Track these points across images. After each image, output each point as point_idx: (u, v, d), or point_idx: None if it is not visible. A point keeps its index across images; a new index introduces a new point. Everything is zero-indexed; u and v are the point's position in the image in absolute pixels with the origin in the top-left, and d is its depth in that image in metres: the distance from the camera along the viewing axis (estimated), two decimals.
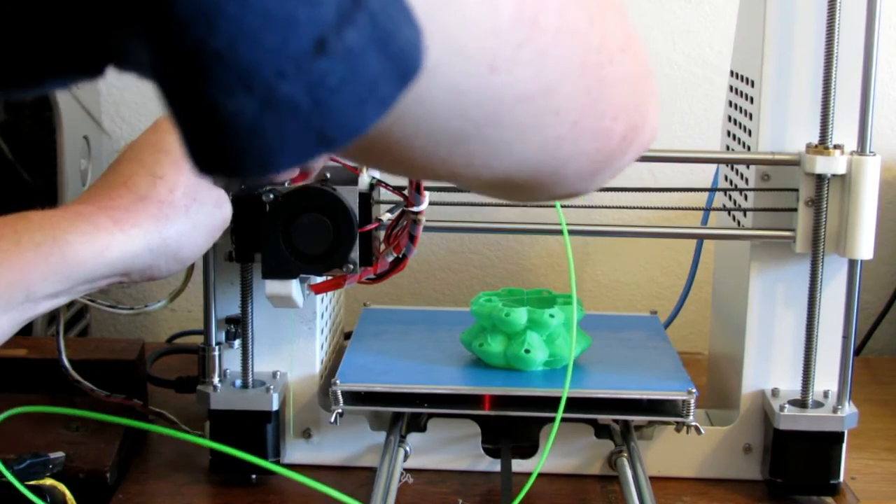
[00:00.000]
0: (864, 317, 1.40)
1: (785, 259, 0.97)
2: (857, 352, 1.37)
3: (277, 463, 0.98)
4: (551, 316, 0.99)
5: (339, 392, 0.96)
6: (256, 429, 0.96)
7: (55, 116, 1.25)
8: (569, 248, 0.86)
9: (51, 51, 0.33)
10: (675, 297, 1.31)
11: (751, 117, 0.99)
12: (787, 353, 0.98)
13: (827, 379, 0.97)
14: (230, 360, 0.98)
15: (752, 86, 0.98)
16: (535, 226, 1.00)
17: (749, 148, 0.99)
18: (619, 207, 1.06)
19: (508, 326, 0.99)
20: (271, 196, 0.89)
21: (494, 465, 1.00)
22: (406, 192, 0.88)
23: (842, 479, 0.96)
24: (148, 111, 1.46)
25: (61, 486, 0.87)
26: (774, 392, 0.98)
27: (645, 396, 0.96)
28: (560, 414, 0.87)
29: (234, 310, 0.97)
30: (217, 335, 0.97)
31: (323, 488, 0.55)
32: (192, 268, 0.99)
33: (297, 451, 1.01)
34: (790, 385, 0.98)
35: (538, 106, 0.39)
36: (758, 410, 0.99)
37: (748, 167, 1.00)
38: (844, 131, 0.93)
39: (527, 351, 0.99)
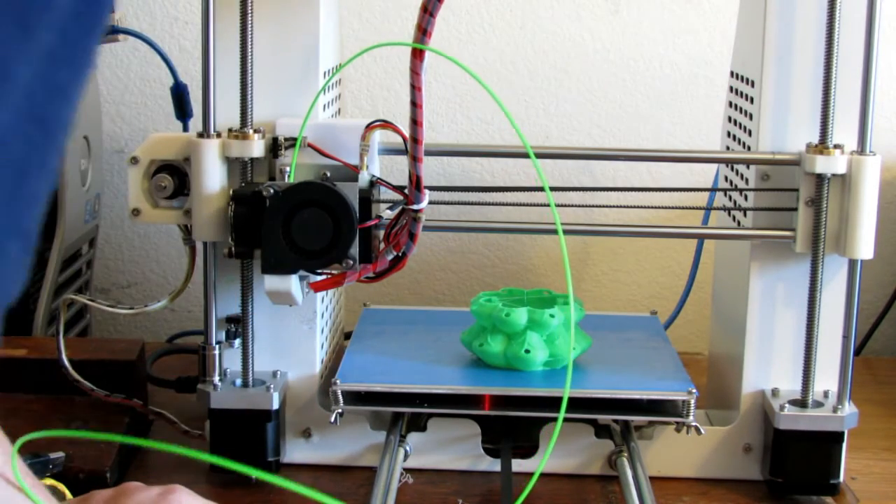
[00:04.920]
0: (864, 317, 1.40)
1: (785, 259, 0.97)
2: (857, 352, 1.37)
3: (278, 462, 0.98)
4: (551, 316, 0.99)
5: (339, 392, 0.96)
6: (257, 428, 0.96)
7: None
8: (563, 247, 0.86)
9: None
10: (675, 297, 1.32)
11: (751, 117, 0.99)
12: (787, 353, 0.98)
13: (827, 379, 0.97)
14: (230, 359, 0.99)
15: (752, 86, 0.98)
16: (535, 226, 1.00)
17: (749, 148, 0.99)
18: (620, 207, 1.06)
19: (508, 326, 0.99)
20: (271, 191, 0.89)
21: (494, 465, 1.00)
22: (406, 190, 0.88)
23: (842, 479, 0.96)
24: (148, 111, 1.46)
25: (61, 486, 0.87)
26: (774, 392, 0.98)
27: (645, 396, 0.96)
28: (562, 414, 0.86)
29: (235, 309, 0.97)
30: (217, 334, 0.97)
31: (298, 488, 0.55)
32: (192, 268, 1.00)
33: (297, 451, 1.01)
34: (790, 385, 0.98)
35: None
36: (758, 410, 0.99)
37: (748, 167, 1.00)
38: (844, 131, 0.93)
39: (527, 351, 0.99)
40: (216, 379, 0.97)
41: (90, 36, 0.39)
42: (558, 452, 0.99)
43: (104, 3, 0.40)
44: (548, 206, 0.89)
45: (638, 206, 1.02)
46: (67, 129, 0.39)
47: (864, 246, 0.92)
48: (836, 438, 0.95)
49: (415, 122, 0.85)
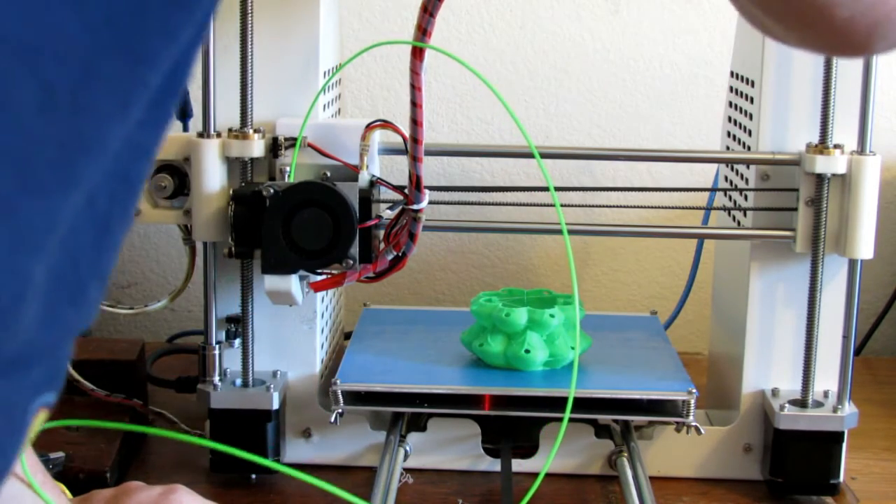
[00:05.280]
0: (864, 317, 1.40)
1: (785, 259, 0.97)
2: (857, 352, 1.37)
3: (277, 462, 0.98)
4: (551, 316, 0.99)
5: (339, 392, 0.96)
6: (256, 428, 0.96)
7: None
8: (569, 247, 0.86)
9: None
10: (675, 297, 1.32)
11: (751, 117, 0.99)
12: (787, 353, 0.98)
13: (827, 379, 0.97)
14: (230, 359, 0.99)
15: (752, 86, 0.98)
16: (535, 226, 1.01)
17: (749, 148, 0.99)
18: (620, 207, 1.06)
19: (508, 326, 0.99)
20: (271, 191, 0.89)
21: (494, 465, 1.00)
22: (406, 190, 0.88)
23: (842, 479, 0.96)
24: None
25: (61, 486, 0.87)
26: (774, 392, 0.98)
27: (645, 396, 0.96)
28: (567, 414, 0.86)
29: (235, 309, 0.97)
30: (217, 334, 0.97)
31: (323, 485, 0.55)
32: (192, 268, 1.00)
33: (297, 451, 1.01)
34: (790, 385, 0.98)
35: None
36: (758, 410, 0.99)
37: (748, 167, 1.00)
38: (844, 131, 0.93)
39: (527, 351, 0.99)
40: (216, 379, 0.97)
41: (173, 100, 0.41)
42: (558, 452, 0.99)
43: (186, 73, 0.42)
44: (548, 206, 0.89)
45: (638, 206, 1.02)
46: (145, 180, 0.41)
47: (864, 246, 0.92)
48: (836, 438, 0.95)
49: (415, 122, 0.85)
